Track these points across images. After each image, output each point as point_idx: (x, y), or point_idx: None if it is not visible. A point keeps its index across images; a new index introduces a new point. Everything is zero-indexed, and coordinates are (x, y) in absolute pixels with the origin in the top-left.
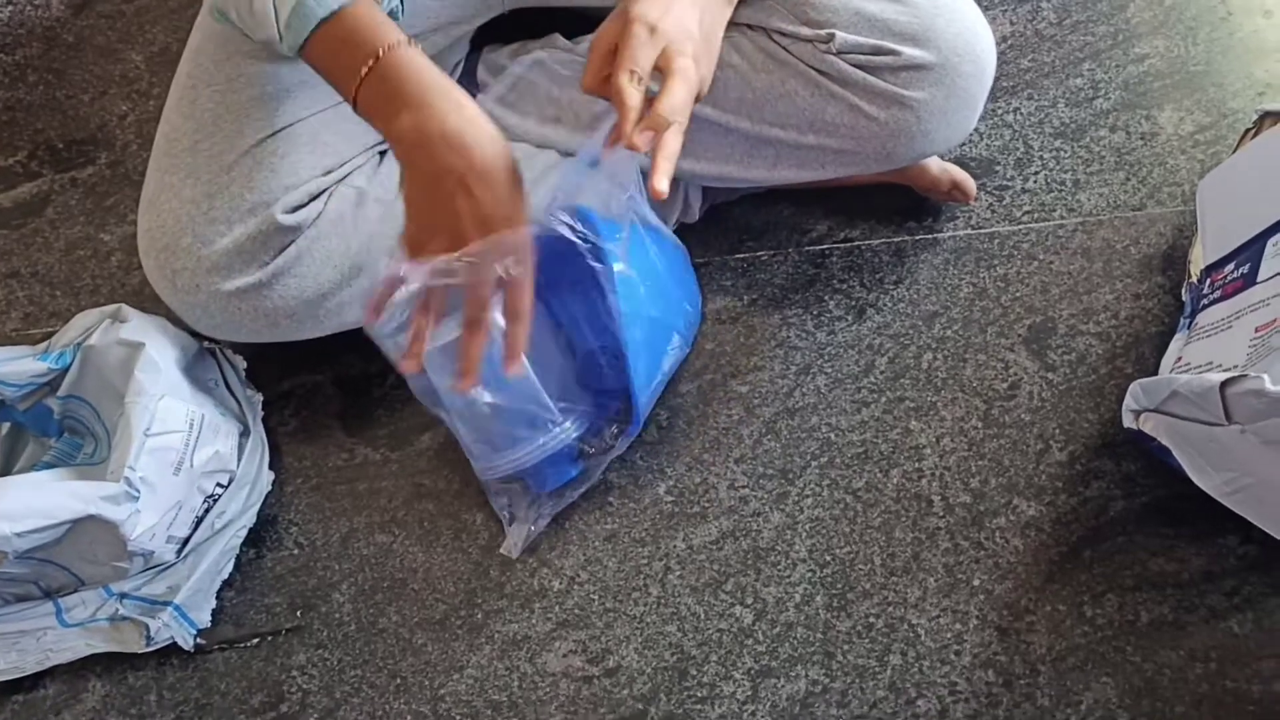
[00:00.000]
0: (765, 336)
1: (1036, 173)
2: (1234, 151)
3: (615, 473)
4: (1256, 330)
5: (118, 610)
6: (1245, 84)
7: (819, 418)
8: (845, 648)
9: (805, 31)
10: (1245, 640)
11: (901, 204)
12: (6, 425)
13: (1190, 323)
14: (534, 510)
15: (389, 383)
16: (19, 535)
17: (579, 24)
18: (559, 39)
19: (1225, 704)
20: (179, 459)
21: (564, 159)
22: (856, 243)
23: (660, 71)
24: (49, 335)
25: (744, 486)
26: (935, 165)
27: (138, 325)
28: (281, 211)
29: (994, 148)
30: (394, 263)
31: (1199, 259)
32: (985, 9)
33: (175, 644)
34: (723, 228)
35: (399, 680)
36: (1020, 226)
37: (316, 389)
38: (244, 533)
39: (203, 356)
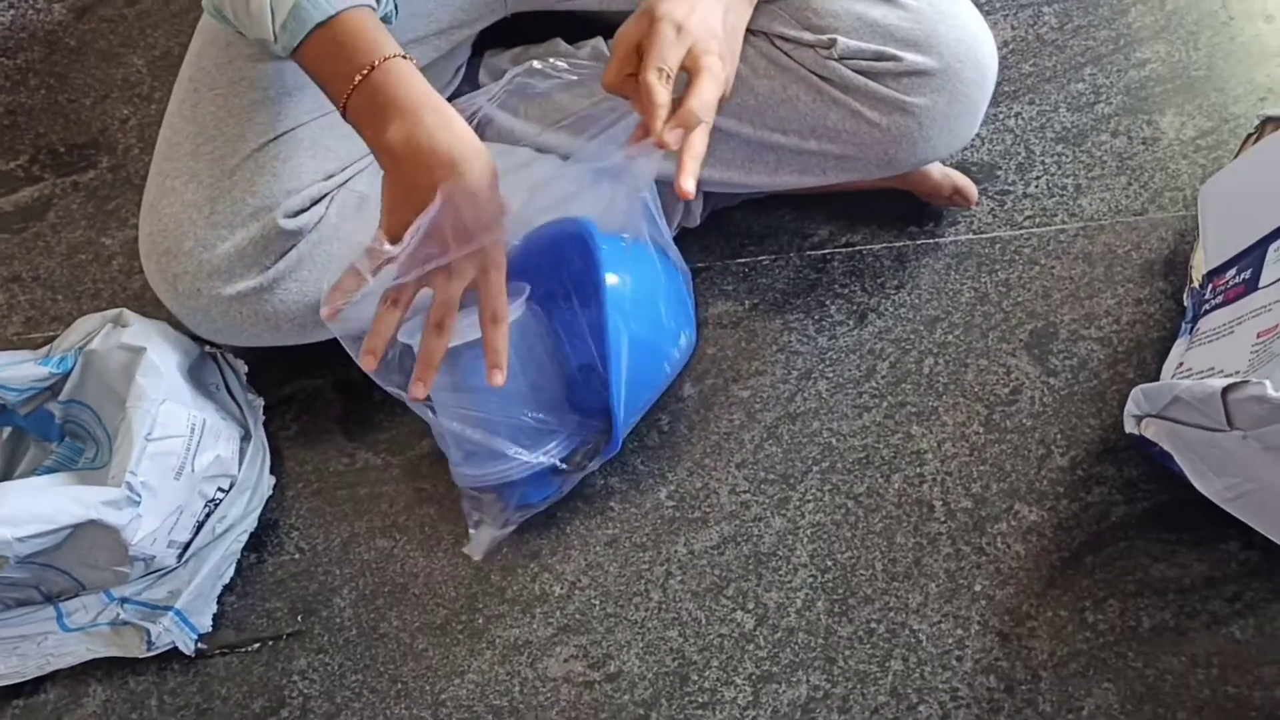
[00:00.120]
0: (766, 341)
1: (1038, 177)
2: (1235, 157)
3: (616, 478)
4: (1258, 336)
5: (119, 615)
6: (1247, 89)
7: (820, 423)
8: (846, 653)
9: (807, 37)
10: (1247, 646)
11: (903, 209)
12: (7, 430)
13: (1192, 328)
14: (502, 516)
15: None
16: (20, 540)
17: (581, 28)
18: (561, 44)
19: (1227, 710)
20: (180, 464)
21: (564, 166)
22: (858, 248)
23: (686, 70)
24: (50, 340)
25: (745, 491)
26: (937, 170)
27: (139, 329)
28: (283, 216)
29: (995, 152)
30: (367, 249)
31: (1200, 264)
32: (987, 14)
33: (176, 649)
34: (724, 232)
35: (400, 685)
36: (1022, 231)
37: (317, 393)
38: (245, 537)
39: (204, 361)
